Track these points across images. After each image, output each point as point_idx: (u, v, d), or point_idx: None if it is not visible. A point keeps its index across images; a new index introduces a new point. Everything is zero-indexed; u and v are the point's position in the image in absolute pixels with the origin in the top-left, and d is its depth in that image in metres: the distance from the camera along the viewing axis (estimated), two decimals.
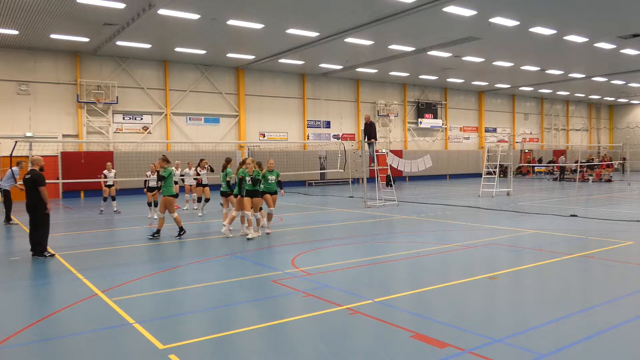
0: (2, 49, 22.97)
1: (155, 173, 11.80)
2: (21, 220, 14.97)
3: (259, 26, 20.21)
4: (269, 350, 4.96)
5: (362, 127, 21.11)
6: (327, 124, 33.41)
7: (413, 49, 25.04)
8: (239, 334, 5.45)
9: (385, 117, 35.66)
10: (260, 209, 12.23)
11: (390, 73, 32.32)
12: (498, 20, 19.83)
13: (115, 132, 25.96)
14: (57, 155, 24.01)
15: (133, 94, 26.38)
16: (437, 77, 34.35)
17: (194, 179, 17.25)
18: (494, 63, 29.16)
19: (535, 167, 40.83)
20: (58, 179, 23.20)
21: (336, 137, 33.23)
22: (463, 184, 31.68)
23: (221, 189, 13.20)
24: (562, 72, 32.90)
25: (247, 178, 11.45)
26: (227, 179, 13.01)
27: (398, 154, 31.45)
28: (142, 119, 26.77)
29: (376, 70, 31.17)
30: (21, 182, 10.77)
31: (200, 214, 16.46)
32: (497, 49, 25.59)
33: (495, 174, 22.28)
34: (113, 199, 17.38)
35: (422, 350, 4.85)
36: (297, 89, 32.00)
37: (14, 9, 17.58)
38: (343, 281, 7.61)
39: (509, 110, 44.07)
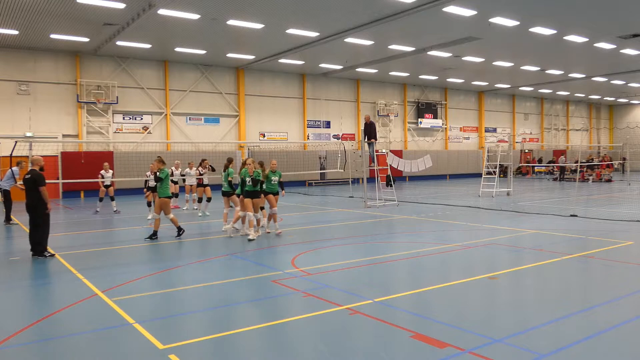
0: (2, 49, 22.98)
1: (154, 174, 11.75)
2: (21, 220, 14.97)
3: (259, 26, 20.20)
4: (269, 350, 4.96)
5: (362, 127, 21.11)
6: (327, 124, 33.42)
7: (413, 49, 25.04)
8: (239, 334, 5.45)
9: (385, 117, 35.66)
10: (262, 208, 12.23)
11: (390, 73, 32.32)
12: (498, 20, 19.83)
13: (115, 132, 25.96)
14: (57, 155, 24.01)
15: (133, 94, 26.38)
16: (437, 77, 34.35)
17: (196, 178, 17.19)
18: (494, 63, 29.16)
19: (535, 167, 40.82)
20: (58, 179, 23.20)
21: (336, 137, 33.23)
22: (463, 184, 31.68)
23: (223, 189, 13.19)
24: (562, 72, 32.90)
25: (247, 179, 11.45)
26: (229, 178, 12.99)
27: (398, 154, 31.46)
28: (142, 119, 26.77)
29: (376, 70, 31.17)
30: (21, 182, 10.76)
31: (200, 214, 16.46)
32: (497, 49, 25.59)
33: (495, 174, 22.28)
34: (112, 199, 17.38)
35: (422, 350, 4.85)
36: (297, 89, 32.00)
37: (14, 9, 17.58)
38: (343, 281, 7.61)
39: (509, 110, 44.07)
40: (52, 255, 9.77)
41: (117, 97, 25.47)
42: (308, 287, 7.21)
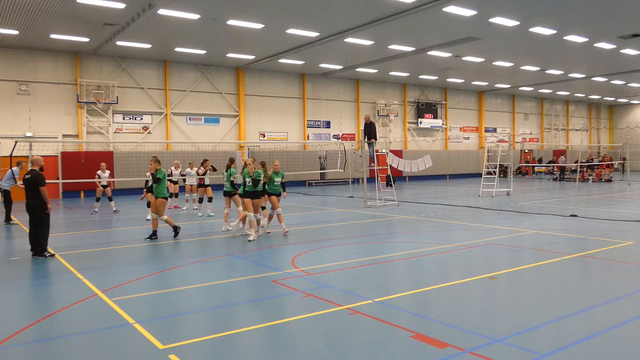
0: (2, 49, 22.98)
1: (151, 174, 11.69)
2: (21, 220, 14.97)
3: (259, 26, 20.21)
4: (269, 350, 4.96)
5: (362, 127, 21.11)
6: (327, 124, 33.42)
7: (413, 49, 25.04)
8: (239, 334, 5.45)
9: (385, 117, 35.66)
10: (263, 208, 12.22)
11: (390, 73, 32.32)
12: (498, 20, 19.84)
13: (115, 132, 25.96)
14: (57, 155, 24.01)
15: (133, 94, 26.39)
16: (437, 77, 34.36)
17: (198, 179, 17.09)
18: (494, 63, 29.16)
19: (535, 167, 40.82)
20: (58, 179, 23.21)
21: (336, 137, 33.23)
22: (463, 184, 31.68)
23: (224, 189, 13.17)
24: (562, 72, 32.90)
25: (247, 179, 11.44)
26: (231, 178, 12.97)
27: (398, 154, 31.45)
28: (142, 119, 26.77)
29: (376, 70, 31.17)
30: (21, 182, 10.76)
31: (200, 214, 16.44)
32: (497, 49, 25.59)
33: (495, 174, 22.29)
34: (110, 199, 17.35)
35: (422, 350, 4.85)
36: (297, 89, 32.00)
37: (14, 9, 17.58)
38: (343, 281, 7.61)
39: (509, 110, 44.07)
40: (52, 255, 9.77)
41: (117, 97, 25.47)
42: (308, 287, 7.21)
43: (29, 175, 9.65)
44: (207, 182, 16.74)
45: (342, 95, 34.07)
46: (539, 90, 41.44)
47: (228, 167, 13.10)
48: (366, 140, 18.33)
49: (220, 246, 10.88)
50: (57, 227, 13.86)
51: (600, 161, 35.96)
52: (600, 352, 4.83)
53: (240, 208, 12.21)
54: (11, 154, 14.17)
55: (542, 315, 5.86)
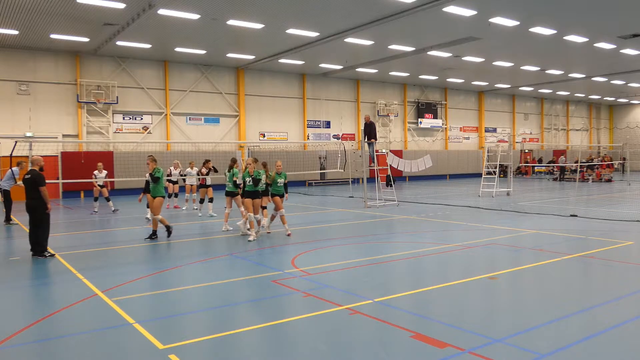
0: (2, 49, 22.98)
1: (149, 175, 11.63)
2: (21, 220, 14.97)
3: (259, 26, 20.20)
4: (269, 350, 4.96)
5: (362, 127, 21.12)
6: (327, 124, 33.42)
7: (413, 49, 25.04)
8: (239, 334, 5.45)
9: (385, 117, 35.66)
10: (264, 208, 12.21)
11: (390, 73, 32.32)
12: (498, 20, 19.83)
13: (115, 132, 25.96)
14: (57, 155, 24.01)
15: (133, 94, 26.39)
16: (437, 77, 34.35)
17: (200, 179, 17.00)
18: (494, 63, 29.16)
19: (535, 167, 40.82)
20: (58, 179, 23.21)
21: (336, 137, 33.23)
22: (463, 184, 31.68)
23: (227, 189, 13.14)
24: (562, 72, 32.90)
25: (248, 179, 11.43)
26: (234, 178, 12.94)
27: (398, 154, 31.45)
28: (142, 119, 26.77)
29: (376, 70, 31.17)
30: (21, 182, 10.76)
31: (200, 214, 16.43)
32: (497, 49, 25.59)
33: (495, 174, 22.29)
34: (107, 199, 17.32)
35: (422, 350, 4.85)
36: (297, 89, 32.00)
37: (14, 9, 17.58)
38: (343, 281, 7.61)
39: (509, 110, 44.07)
40: (52, 255, 9.77)
41: (117, 97, 25.47)
42: (308, 287, 7.21)
43: (29, 175, 9.65)
44: (208, 182, 16.68)
45: (342, 95, 34.07)
46: (539, 90, 41.44)
47: (230, 168, 13.08)
48: (366, 140, 18.33)
49: (221, 246, 10.88)
50: (57, 227, 13.86)
51: (600, 161, 35.96)
52: (600, 352, 4.84)
53: (242, 209, 12.20)
54: (11, 154, 14.17)
55: (542, 315, 5.86)
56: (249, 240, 11.16)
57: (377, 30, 21.00)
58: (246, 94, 29.78)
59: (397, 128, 36.77)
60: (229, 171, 13.07)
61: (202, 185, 16.66)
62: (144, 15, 18.24)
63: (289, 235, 11.85)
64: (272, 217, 12.52)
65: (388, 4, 17.70)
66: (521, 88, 39.91)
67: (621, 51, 25.94)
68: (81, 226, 14.57)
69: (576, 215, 14.46)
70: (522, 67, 30.67)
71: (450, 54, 26.44)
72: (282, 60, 27.21)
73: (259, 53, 25.59)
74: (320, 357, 4.78)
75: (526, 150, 44.92)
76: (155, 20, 19.22)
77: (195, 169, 18.17)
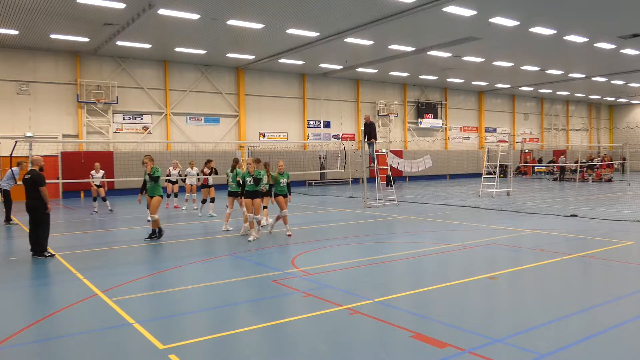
0: (2, 49, 22.98)
1: (148, 175, 11.58)
2: (21, 220, 14.97)
3: (259, 26, 20.21)
4: (269, 350, 4.96)
5: (362, 127, 21.12)
6: (327, 124, 33.42)
7: (413, 49, 25.04)
8: (239, 334, 5.45)
9: (385, 117, 35.66)
10: (265, 207, 12.18)
11: (390, 73, 32.32)
12: (498, 20, 19.83)
13: (115, 132, 25.96)
14: (57, 155, 24.01)
15: (133, 94, 26.39)
16: (437, 77, 34.35)
17: (202, 179, 16.93)
18: (494, 63, 29.16)
19: (535, 167, 40.82)
20: (58, 179, 23.21)
21: (336, 137, 33.23)
22: (463, 184, 31.68)
23: (230, 189, 13.11)
24: (562, 72, 32.90)
25: (249, 179, 11.43)
26: (237, 179, 12.90)
27: (398, 154, 31.45)
28: (142, 119, 26.77)
29: (376, 70, 31.17)
30: (21, 182, 10.76)
31: (200, 214, 16.42)
32: (497, 49, 25.59)
33: (495, 174, 22.29)
34: (103, 199, 17.29)
35: (422, 350, 4.85)
36: (297, 89, 32.00)
37: (14, 9, 17.58)
38: (343, 281, 7.61)
39: (509, 110, 44.08)
40: (52, 255, 9.77)
41: (117, 97, 25.48)
42: (308, 287, 7.21)
43: (29, 175, 9.65)
44: (210, 182, 16.63)
45: (342, 95, 34.07)
46: (539, 90, 41.44)
47: (234, 168, 13.05)
48: (366, 140, 18.33)
49: (221, 246, 10.88)
50: (57, 227, 13.86)
51: (600, 161, 35.96)
52: (600, 352, 4.84)
53: (244, 209, 12.18)
54: (11, 154, 14.17)
55: (542, 315, 5.86)
56: (249, 240, 11.16)
57: (377, 30, 21.00)
58: (246, 94, 29.79)
59: (397, 128, 36.77)
60: (231, 171, 13.04)
61: (204, 186, 16.60)
62: (144, 15, 18.24)
63: (289, 235, 11.85)
64: (278, 218, 12.40)
65: (388, 4, 17.70)
66: (521, 88, 39.91)
67: (621, 51, 25.94)
68: (81, 226, 14.57)
69: (576, 215, 14.46)
70: (522, 67, 30.67)
71: (450, 54, 26.44)
72: (282, 60, 27.22)
73: (259, 53, 25.59)
74: (320, 357, 4.78)
75: (526, 150, 44.92)
76: (155, 20, 19.22)
77: (196, 169, 18.15)
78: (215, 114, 28.86)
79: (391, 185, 20.16)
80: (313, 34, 21.73)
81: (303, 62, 28.22)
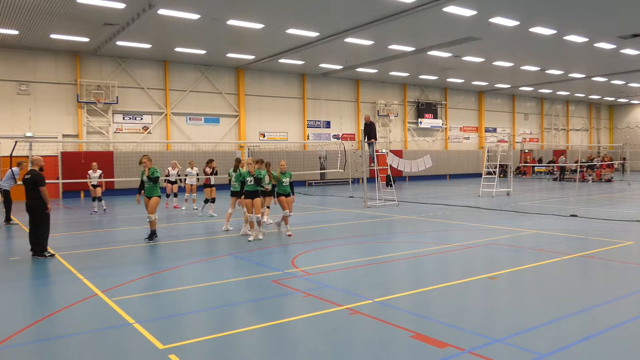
0: (2, 49, 22.98)
1: (147, 177, 11.53)
2: (21, 220, 14.97)
3: (259, 26, 20.20)
4: (269, 350, 4.96)
5: (362, 127, 21.12)
6: (327, 124, 33.42)
7: (413, 49, 25.04)
8: (239, 334, 5.45)
9: (385, 117, 35.66)
10: (268, 207, 12.17)
11: (390, 73, 32.32)
12: (498, 20, 19.83)
13: (115, 132, 25.96)
14: (57, 155, 24.01)
15: (133, 94, 26.39)
16: (437, 77, 34.35)
17: (205, 178, 16.89)
18: (494, 63, 29.16)
19: (535, 167, 40.82)
20: (58, 179, 23.21)
21: (336, 137, 33.23)
22: (463, 184, 31.68)
23: (232, 189, 13.08)
24: (562, 72, 32.90)
25: (249, 178, 11.42)
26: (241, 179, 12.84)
27: (398, 154, 31.45)
28: (142, 119, 26.77)
29: (376, 70, 31.17)
30: (21, 182, 10.76)
31: (200, 214, 16.41)
32: (497, 49, 25.59)
33: (495, 174, 22.29)
34: (99, 199, 17.27)
35: (422, 350, 4.85)
36: (297, 89, 32.00)
37: (14, 9, 17.58)
38: (343, 281, 7.61)
39: (509, 110, 44.08)
40: (52, 255, 9.77)
41: (117, 97, 25.48)
42: (308, 287, 7.21)
43: (29, 175, 9.65)
44: (212, 182, 16.59)
45: (342, 95, 34.07)
46: (539, 90, 41.44)
47: (236, 168, 13.03)
48: (366, 140, 18.33)
49: (221, 246, 10.88)
50: (57, 227, 13.86)
51: (600, 161, 35.95)
52: (600, 352, 4.84)
53: (245, 209, 12.16)
54: (11, 154, 14.18)
55: (542, 315, 5.86)
56: (249, 240, 11.16)
57: (377, 30, 21.00)
58: (246, 94, 29.78)
59: (397, 128, 36.77)
60: (234, 171, 13.01)
61: (207, 185, 16.57)
62: (144, 15, 18.24)
63: (289, 235, 11.85)
64: (283, 220, 12.31)
65: (388, 4, 17.70)
66: (521, 88, 39.91)
67: (621, 51, 25.94)
68: (81, 226, 14.57)
69: (576, 215, 14.46)
70: (522, 67, 30.67)
71: (450, 54, 26.44)
72: (282, 60, 27.22)
73: (259, 53, 25.59)
74: (320, 357, 4.78)
75: (526, 150, 44.92)
76: (155, 20, 19.22)
77: (196, 169, 18.15)
78: (215, 114, 28.86)
79: (391, 185, 20.16)
80: (313, 34, 21.73)
81: (303, 62, 28.22)
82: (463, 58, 27.50)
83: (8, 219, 14.71)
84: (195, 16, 18.65)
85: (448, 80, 35.30)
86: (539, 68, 31.15)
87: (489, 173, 23.37)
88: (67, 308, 6.45)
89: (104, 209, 17.40)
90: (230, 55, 25.80)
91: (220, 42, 23.24)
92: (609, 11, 19.18)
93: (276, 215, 13.42)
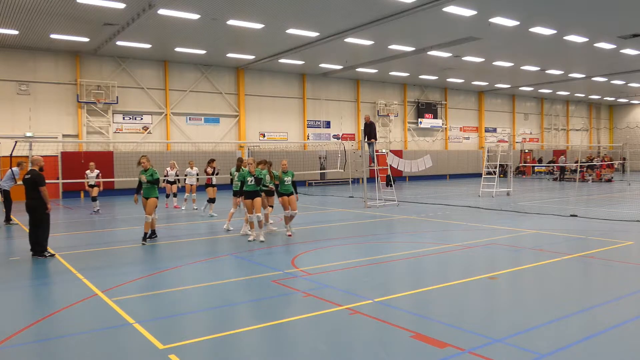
0: (2, 49, 22.98)
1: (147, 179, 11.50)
2: (21, 220, 14.97)
3: (259, 26, 20.20)
4: (269, 350, 4.96)
5: (362, 127, 21.12)
6: (327, 124, 33.42)
7: (413, 49, 25.04)
8: (239, 334, 5.45)
9: (385, 117, 35.66)
10: (271, 207, 12.15)
11: (390, 73, 32.32)
12: (498, 20, 19.83)
13: (115, 132, 25.96)
14: (57, 155, 24.01)
15: (133, 94, 26.39)
16: (437, 77, 34.35)
17: (206, 177, 16.85)
18: (494, 63, 29.16)
19: (535, 167, 40.82)
20: (58, 179, 23.20)
21: (336, 137, 33.23)
22: (463, 184, 31.68)
23: (234, 189, 13.07)
24: (562, 72, 32.90)
25: (250, 178, 11.42)
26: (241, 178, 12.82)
27: (398, 154, 31.45)
28: (142, 119, 26.77)
29: (376, 70, 31.17)
30: (21, 182, 10.75)
31: (203, 214, 16.40)
32: (497, 49, 25.59)
33: (495, 174, 22.29)
34: (94, 199, 17.25)
35: (422, 350, 4.85)
36: (297, 89, 32.00)
37: (14, 9, 17.58)
38: (343, 281, 7.61)
39: (509, 110, 44.08)
40: (52, 255, 9.77)
41: (117, 97, 25.48)
42: (308, 287, 7.21)
43: (29, 175, 9.65)
44: (214, 181, 16.57)
45: (342, 95, 34.07)
46: (539, 90, 41.44)
47: (239, 168, 13.01)
48: (366, 140, 18.33)
49: (221, 246, 10.88)
50: (57, 227, 13.86)
51: (600, 161, 35.95)
52: (600, 352, 4.84)
53: (245, 209, 12.15)
54: (11, 154, 14.17)
55: (542, 315, 5.86)
56: (249, 240, 11.16)
57: (377, 30, 20.99)
58: (246, 94, 29.78)
59: (397, 128, 36.77)
60: (237, 171, 12.99)
61: (209, 185, 16.54)
62: (144, 15, 18.24)
63: (289, 235, 11.85)
64: (288, 219, 12.24)
65: (388, 4, 17.70)
66: (521, 88, 39.91)
67: (621, 51, 25.94)
68: (81, 226, 14.57)
69: (576, 215, 14.46)
70: (522, 67, 30.67)
71: (450, 54, 26.44)
72: (282, 60, 27.21)
73: (259, 53, 25.59)
74: (320, 357, 4.78)
75: (526, 150, 44.92)
76: (155, 20, 19.22)
77: (196, 169, 18.14)
78: (215, 114, 28.86)
79: (391, 185, 20.16)
80: (313, 34, 21.73)
81: (303, 62, 28.22)
82: (463, 58, 27.50)
83: (8, 219, 14.71)
84: (195, 16, 18.65)
85: (448, 80, 35.30)
86: (539, 68, 31.15)
87: (489, 173, 23.37)
88: (67, 308, 6.45)
89: (98, 209, 17.29)
90: (230, 55, 25.80)
91: (220, 42, 23.24)
92: (609, 11, 19.18)
93: (277, 216, 13.43)
